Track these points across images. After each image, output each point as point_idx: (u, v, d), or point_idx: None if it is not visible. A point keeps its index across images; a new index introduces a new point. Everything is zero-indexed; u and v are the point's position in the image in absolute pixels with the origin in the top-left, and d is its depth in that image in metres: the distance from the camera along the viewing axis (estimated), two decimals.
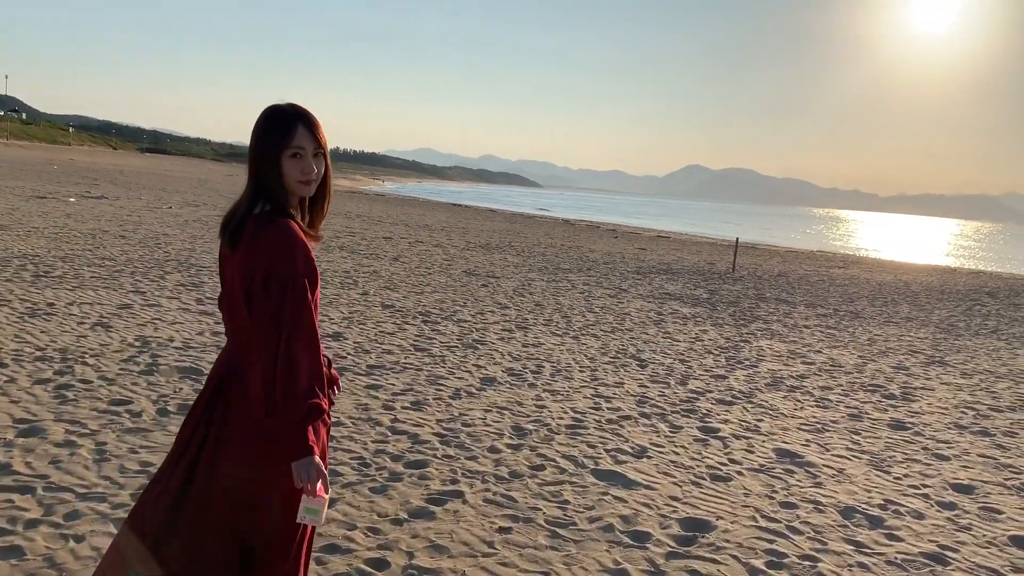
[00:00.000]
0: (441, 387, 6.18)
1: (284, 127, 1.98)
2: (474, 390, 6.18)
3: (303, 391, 1.88)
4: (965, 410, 7.09)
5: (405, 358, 7.03)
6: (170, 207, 23.52)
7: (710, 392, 6.91)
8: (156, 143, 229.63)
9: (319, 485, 1.93)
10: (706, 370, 7.84)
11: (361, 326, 8.35)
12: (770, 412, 6.39)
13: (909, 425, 6.34)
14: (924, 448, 5.74)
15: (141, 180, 40.40)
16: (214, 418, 2.01)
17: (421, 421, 5.23)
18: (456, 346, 7.81)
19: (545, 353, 7.88)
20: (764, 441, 5.57)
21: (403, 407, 5.50)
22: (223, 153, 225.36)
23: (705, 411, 6.24)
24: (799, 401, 6.87)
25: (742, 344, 9.64)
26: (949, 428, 6.41)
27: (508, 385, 6.44)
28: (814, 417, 6.36)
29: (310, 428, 1.92)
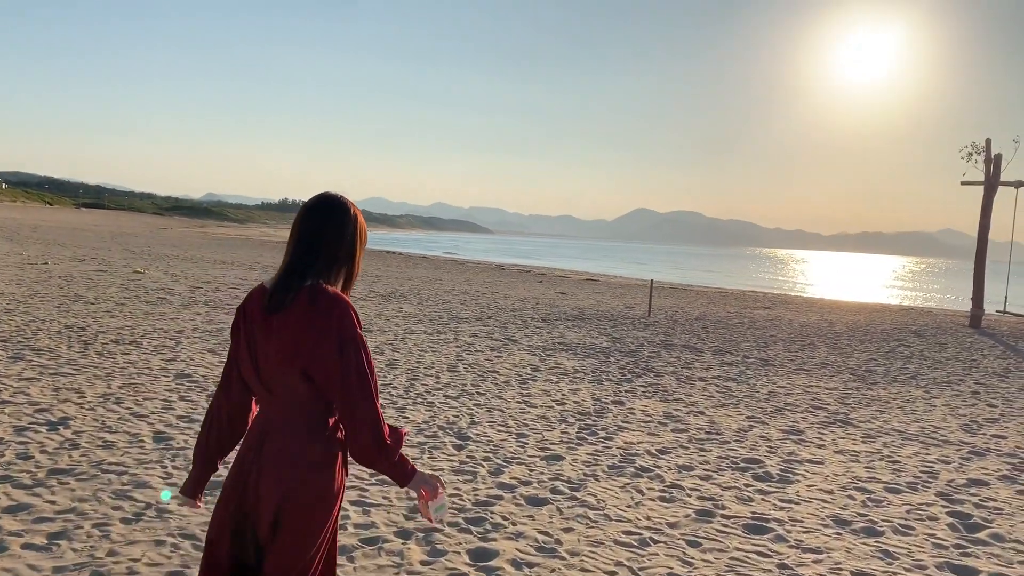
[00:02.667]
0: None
1: (363, 227, 2.31)
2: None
3: (392, 428, 2.16)
4: (854, 493, 5.61)
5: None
6: (46, 263, 21.57)
7: (527, 484, 5.33)
8: (97, 198, 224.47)
9: (438, 488, 2.25)
10: (541, 449, 6.27)
11: (186, 401, 6.63)
12: (589, 514, 4.81)
13: (772, 525, 4.82)
14: (781, 566, 4.21)
15: (48, 235, 38.19)
16: (255, 488, 2.14)
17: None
18: None
19: None
20: (554, 572, 3.98)
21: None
22: (166, 207, 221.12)
23: (501, 518, 4.64)
24: (639, 493, 5.31)
25: (612, 407, 8.13)
26: (825, 525, 4.90)
27: None
28: (648, 519, 4.81)
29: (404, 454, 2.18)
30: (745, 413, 8.29)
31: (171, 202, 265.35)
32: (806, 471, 6.12)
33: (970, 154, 21.48)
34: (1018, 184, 20.95)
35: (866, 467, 6.37)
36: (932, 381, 11.47)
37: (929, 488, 5.84)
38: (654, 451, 6.42)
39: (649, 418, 7.71)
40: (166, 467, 5.11)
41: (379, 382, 8.24)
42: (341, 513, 2.52)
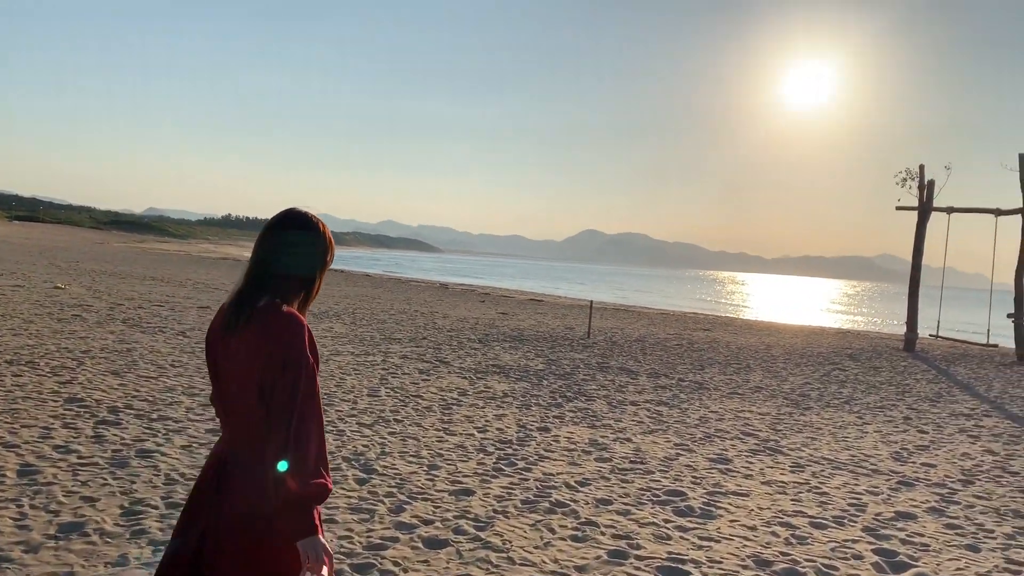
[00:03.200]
0: None
1: (329, 243, 2.20)
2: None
3: (311, 471, 1.93)
4: (778, 530, 5.33)
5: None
6: None
7: (429, 523, 4.91)
8: (31, 211, 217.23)
9: (324, 564, 1.93)
10: (452, 482, 5.86)
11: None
12: (491, 557, 4.41)
13: (688, 568, 4.49)
14: None
15: None
16: (213, 512, 2.04)
17: None
18: (107, 466, 5.58)
19: None
20: None
21: None
22: (105, 221, 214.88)
23: (392, 564, 4.21)
24: (550, 531, 4.93)
25: (536, 434, 7.76)
26: (745, 567, 4.59)
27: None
28: (555, 561, 4.43)
29: (316, 508, 1.95)
30: (674, 440, 8.01)
31: (110, 216, 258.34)
32: (730, 504, 5.82)
33: (904, 180, 21.84)
34: (950, 210, 21.32)
35: (793, 499, 6.10)
36: (865, 406, 11.38)
37: (856, 522, 5.59)
38: (573, 483, 6.06)
39: (573, 446, 7.36)
40: (22, 505, 4.57)
41: None
42: None
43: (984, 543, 5.31)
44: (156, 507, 4.68)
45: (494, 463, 6.47)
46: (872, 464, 7.59)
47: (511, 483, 5.92)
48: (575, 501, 5.58)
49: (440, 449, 6.82)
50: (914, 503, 6.24)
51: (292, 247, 2.11)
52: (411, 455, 6.54)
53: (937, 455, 8.27)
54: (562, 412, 9.07)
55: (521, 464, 6.51)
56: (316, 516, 1.96)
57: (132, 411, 7.20)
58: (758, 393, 11.95)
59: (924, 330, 22.68)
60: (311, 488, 1.93)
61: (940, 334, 22.16)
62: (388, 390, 9.57)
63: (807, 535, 5.24)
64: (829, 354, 18.81)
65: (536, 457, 6.80)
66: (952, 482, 7.08)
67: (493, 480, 5.96)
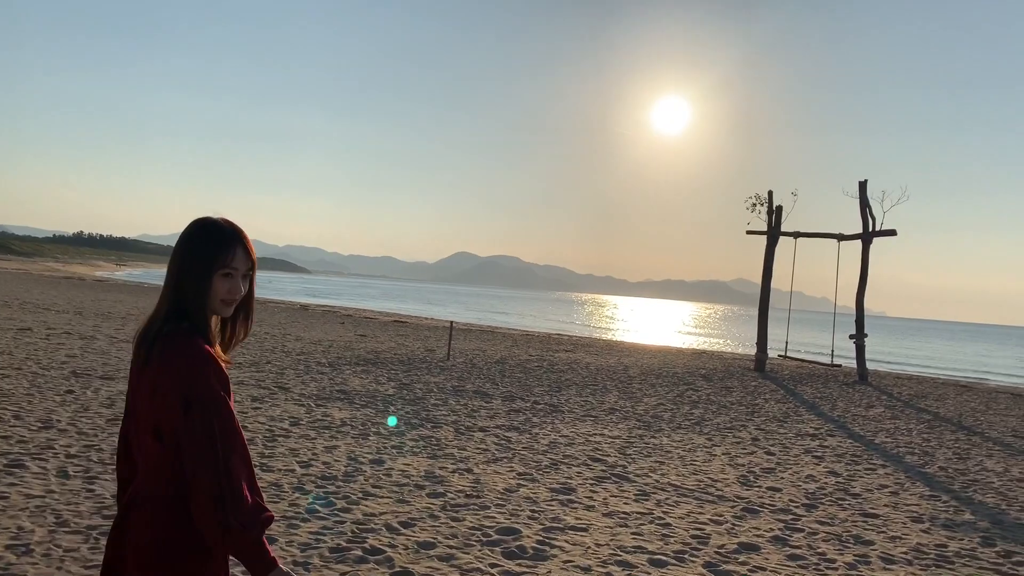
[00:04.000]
0: None
1: (224, 245, 1.90)
2: None
3: (252, 507, 1.82)
4: (614, 570, 4.86)
5: None
6: None
7: None
8: None
9: None
10: None
11: None
12: None
13: None
14: None
15: None
16: (118, 545, 1.93)
17: None
18: None
19: None
20: None
21: None
22: None
23: None
24: None
25: (367, 467, 7.06)
26: None
27: None
28: None
29: (265, 541, 1.85)
30: (517, 469, 7.50)
31: None
32: (566, 541, 5.33)
33: (754, 205, 22.54)
34: (797, 234, 22.15)
35: (634, 533, 5.68)
36: (716, 427, 11.31)
37: (697, 557, 5.22)
38: (396, 524, 5.41)
39: (407, 480, 6.71)
40: None
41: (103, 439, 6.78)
42: None
43: (826, 575, 5.05)
44: None
45: (309, 503, 5.74)
46: (718, 490, 7.34)
47: (323, 527, 5.20)
48: (393, 546, 4.93)
49: None
50: (758, 532, 5.96)
51: (177, 258, 1.90)
52: None
53: (783, 478, 8.14)
54: (402, 442, 8.41)
55: (341, 504, 5.80)
56: (269, 549, 1.84)
57: None
58: (612, 415, 11.69)
59: (774, 351, 23.44)
60: (256, 525, 1.81)
61: (788, 354, 22.93)
62: None
63: (645, 575, 4.80)
64: (684, 374, 18.99)
65: (360, 495, 6.11)
66: (796, 507, 6.90)
67: (302, 525, 5.23)
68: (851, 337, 21.12)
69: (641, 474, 7.76)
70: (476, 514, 5.81)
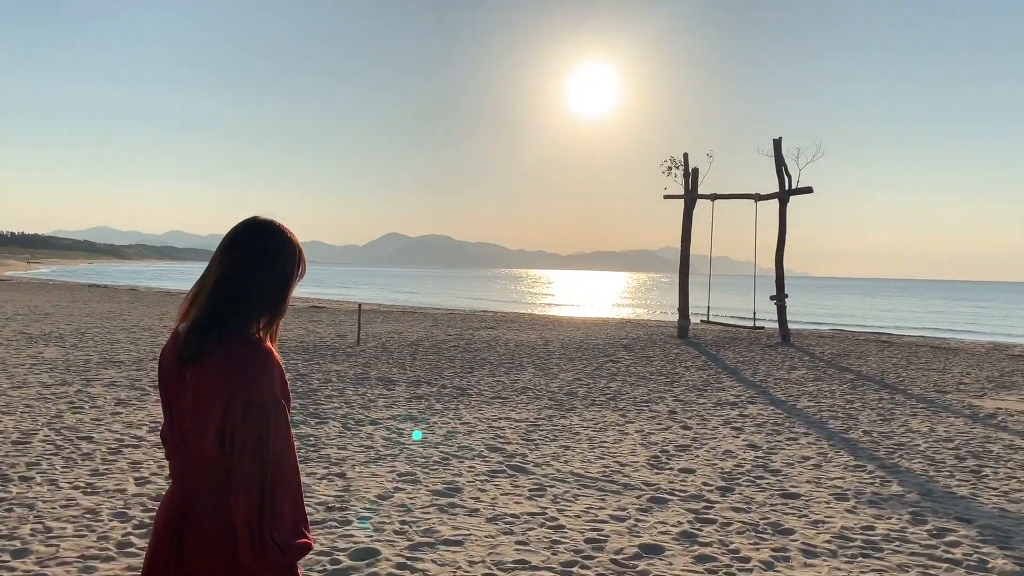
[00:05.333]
0: None
1: (300, 257, 1.93)
2: None
3: (290, 530, 1.75)
4: None
5: None
6: None
7: None
8: None
9: None
10: (41, 567, 4.06)
11: None
12: None
13: None
14: None
15: None
16: (175, 564, 1.80)
17: None
18: None
19: None
20: None
21: None
22: None
23: None
24: None
25: None
26: None
27: None
28: None
29: (300, 568, 1.83)
30: (400, 468, 6.58)
31: None
32: (433, 562, 4.45)
33: (670, 168, 21.97)
34: (714, 197, 21.67)
35: (519, 542, 4.83)
36: (632, 401, 10.60)
37: (588, 570, 4.40)
38: None
39: None
40: None
41: None
42: None
43: None
44: None
45: (124, 534, 4.71)
46: (625, 476, 6.57)
47: (139, 562, 4.20)
48: None
49: (62, 516, 4.96)
50: (663, 528, 5.19)
51: (259, 262, 1.84)
52: (5, 533, 4.63)
53: (697, 456, 7.44)
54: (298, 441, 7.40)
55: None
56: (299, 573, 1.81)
57: None
58: (523, 395, 10.88)
59: (696, 316, 23.03)
60: (292, 549, 1.74)
61: (711, 319, 22.54)
62: (52, 431, 7.46)
63: None
64: (605, 346, 18.34)
65: None
66: (710, 491, 6.17)
67: (111, 562, 4.22)
68: (772, 298, 20.81)
69: (541, 463, 6.94)
70: (331, 533, 4.87)
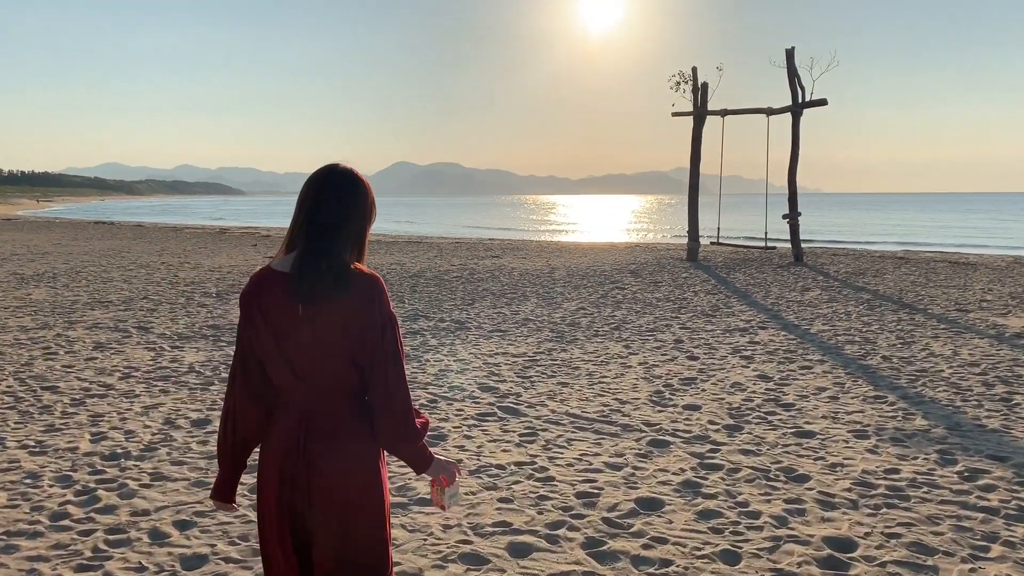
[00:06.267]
0: None
1: (374, 200, 2.18)
2: None
3: (415, 417, 2.11)
4: (453, 571, 3.53)
5: None
6: None
7: None
8: None
9: (455, 474, 2.20)
10: None
11: None
12: None
13: None
14: None
15: None
16: (304, 475, 2.05)
17: None
18: None
19: None
20: None
21: None
22: None
23: None
24: None
25: (177, 437, 5.59)
26: None
27: None
28: None
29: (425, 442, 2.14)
30: None
31: None
32: (403, 527, 3.96)
33: (678, 83, 20.99)
34: (724, 112, 20.73)
35: (501, 500, 4.33)
36: (636, 331, 10.07)
37: (576, 533, 3.91)
38: (185, 518, 3.97)
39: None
40: None
41: None
42: None
43: (743, 544, 3.79)
44: None
45: (61, 502, 4.24)
46: (624, 415, 6.07)
47: (71, 537, 3.74)
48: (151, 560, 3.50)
49: None
50: (664, 477, 4.69)
51: (347, 207, 2.09)
52: None
53: (704, 390, 6.92)
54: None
55: (113, 499, 4.32)
56: (427, 448, 2.12)
57: None
58: (524, 327, 10.37)
59: (706, 238, 22.36)
60: (424, 429, 2.13)
61: (721, 240, 21.86)
62: (16, 382, 7.02)
63: (500, 569, 3.48)
64: (612, 272, 17.75)
65: (148, 479, 4.64)
66: (716, 430, 5.67)
67: (37, 539, 3.76)
68: (784, 217, 20.07)
69: (536, 403, 6.44)
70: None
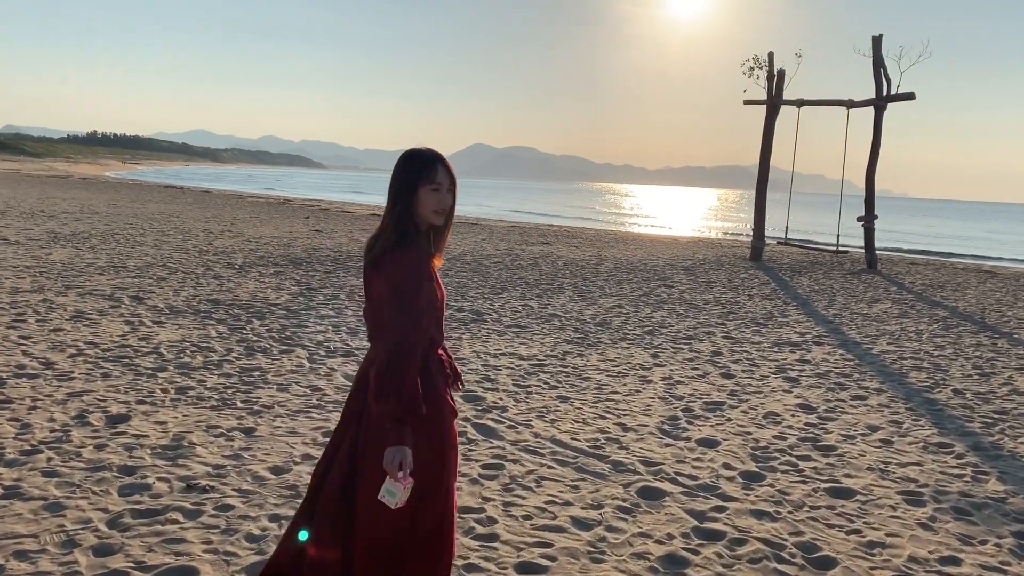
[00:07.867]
0: None
1: (428, 166, 2.40)
2: None
3: (408, 394, 2.20)
4: None
5: None
6: None
7: None
8: None
9: (399, 471, 2.20)
10: None
11: None
12: None
13: None
14: None
15: None
16: (358, 419, 2.41)
17: None
18: None
19: None
20: None
21: None
22: None
23: None
24: None
25: (71, 433, 4.75)
26: None
27: None
28: None
29: (408, 429, 2.23)
30: (330, 428, 5.16)
31: None
32: None
33: (752, 69, 19.47)
34: (800, 103, 19.16)
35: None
36: (671, 337, 8.93)
37: None
38: (107, 528, 3.09)
39: (140, 455, 4.39)
40: None
41: None
42: None
43: None
44: None
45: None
46: (622, 447, 4.98)
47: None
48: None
49: None
50: (641, 548, 3.60)
51: (394, 190, 2.40)
52: None
53: (728, 419, 5.77)
54: (204, 376, 6.09)
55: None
56: (406, 431, 2.21)
57: None
58: (546, 324, 9.34)
59: (774, 237, 20.84)
60: (409, 402, 2.19)
61: (789, 240, 20.33)
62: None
63: None
64: (664, 267, 16.48)
65: (41, 476, 3.78)
66: (729, 479, 4.53)
67: None
68: (859, 219, 18.43)
69: (520, 423, 5.40)
70: (231, 515, 3.46)
